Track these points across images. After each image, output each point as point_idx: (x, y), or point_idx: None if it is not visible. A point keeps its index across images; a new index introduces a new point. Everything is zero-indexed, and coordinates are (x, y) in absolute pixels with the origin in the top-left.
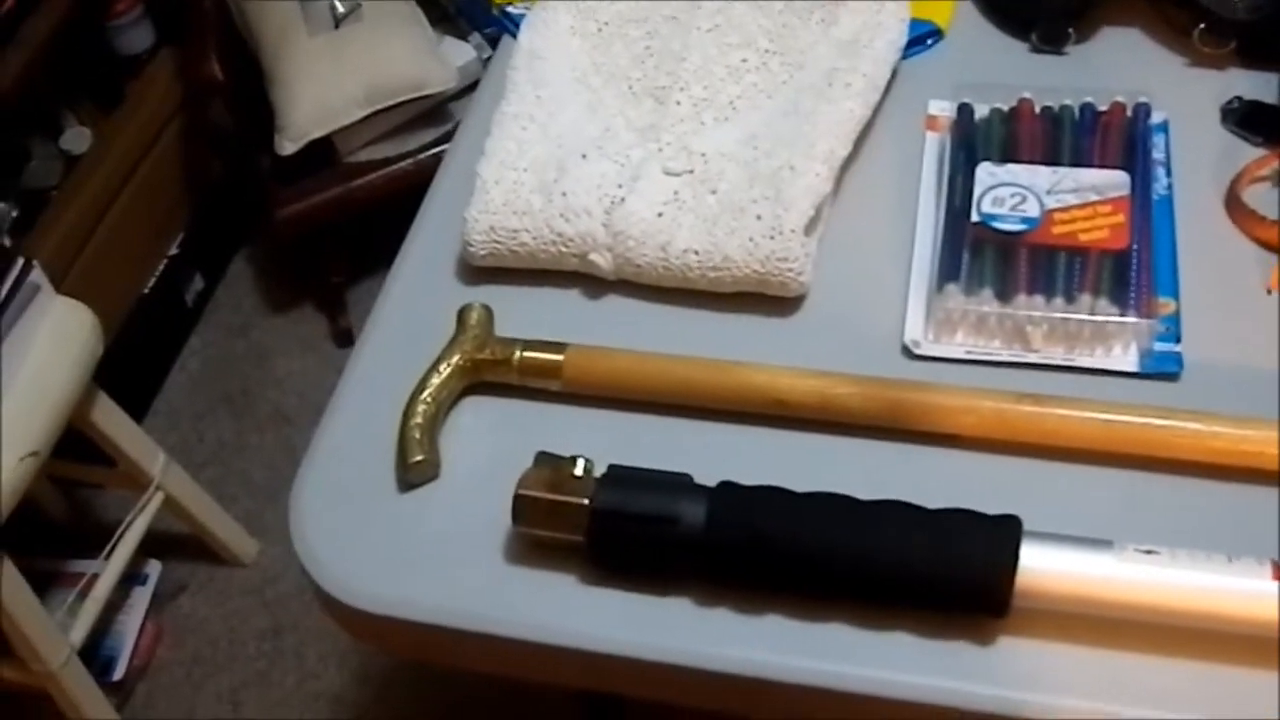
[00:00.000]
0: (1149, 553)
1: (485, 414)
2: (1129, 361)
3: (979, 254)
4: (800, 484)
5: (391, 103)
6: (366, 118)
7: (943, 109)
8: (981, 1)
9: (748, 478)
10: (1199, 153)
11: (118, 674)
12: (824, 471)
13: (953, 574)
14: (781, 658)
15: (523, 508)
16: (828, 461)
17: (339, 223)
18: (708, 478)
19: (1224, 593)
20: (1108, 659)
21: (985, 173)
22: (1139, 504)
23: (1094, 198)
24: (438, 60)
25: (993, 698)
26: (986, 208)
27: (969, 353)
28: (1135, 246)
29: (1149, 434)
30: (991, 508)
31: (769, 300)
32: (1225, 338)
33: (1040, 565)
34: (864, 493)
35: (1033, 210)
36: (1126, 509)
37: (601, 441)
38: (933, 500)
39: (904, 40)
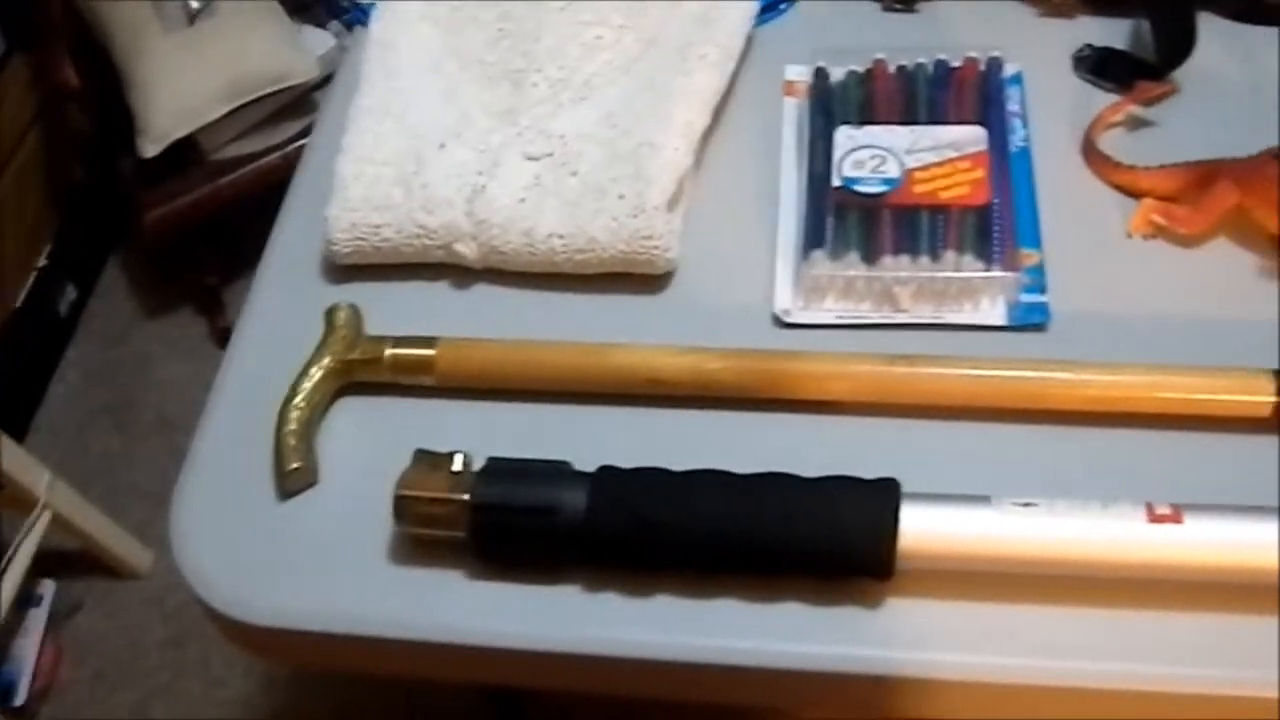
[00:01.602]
0: (1027, 505)
1: (362, 415)
2: (997, 315)
3: (843, 218)
4: (680, 462)
5: (253, 97)
6: (229, 113)
7: (799, 74)
8: None
9: (628, 460)
10: (1054, 103)
11: (20, 699)
12: (703, 448)
13: (834, 540)
14: (672, 637)
15: (403, 508)
16: (706, 437)
17: (210, 222)
18: (589, 463)
19: (1101, 539)
20: (995, 612)
21: (844, 136)
22: (1016, 457)
23: (953, 154)
24: (298, 50)
25: (882, 659)
26: (847, 171)
27: (839, 317)
28: (996, 200)
29: (1020, 386)
30: (871, 471)
31: (638, 279)
32: (1090, 284)
33: (921, 526)
34: (744, 466)
35: (893, 171)
36: (1004, 463)
37: (481, 434)
38: (812, 468)
39: (756, 8)
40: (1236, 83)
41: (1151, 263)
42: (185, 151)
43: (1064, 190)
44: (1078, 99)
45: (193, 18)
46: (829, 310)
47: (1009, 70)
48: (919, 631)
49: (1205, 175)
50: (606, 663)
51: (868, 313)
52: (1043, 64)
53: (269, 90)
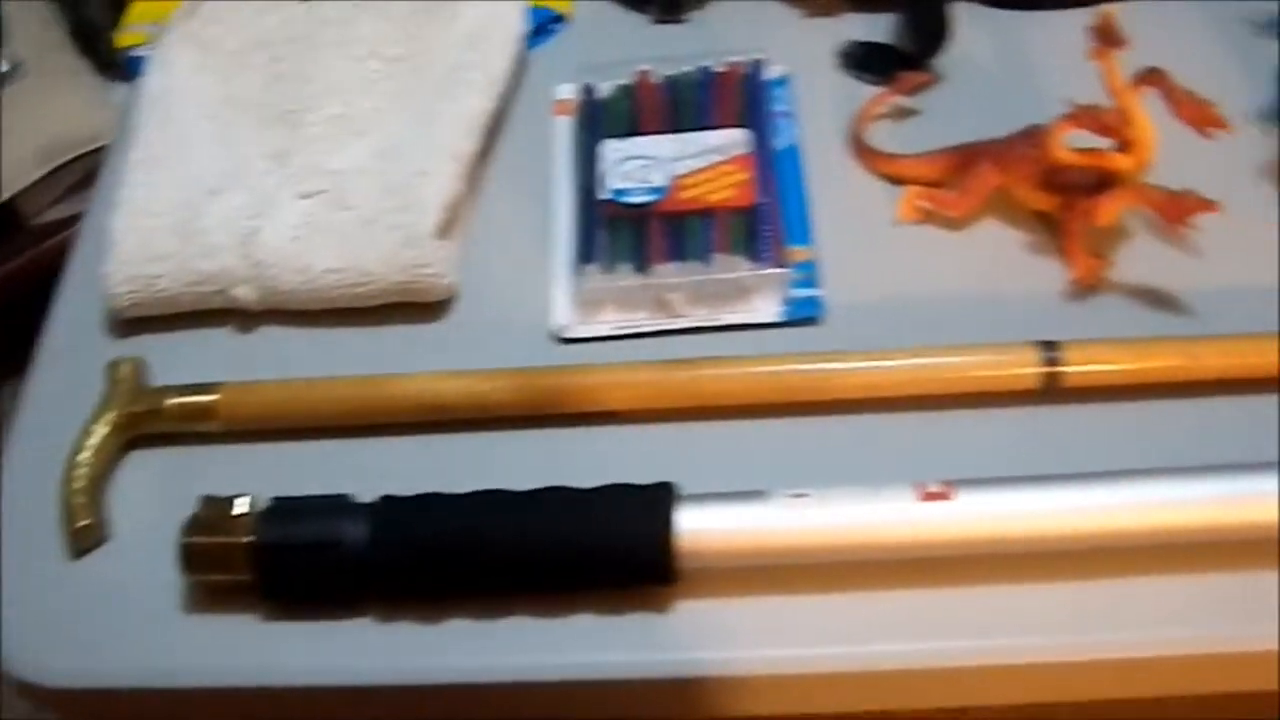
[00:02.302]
0: (799, 496)
1: (153, 467)
2: (770, 312)
3: (613, 230)
4: (468, 485)
5: (68, 158)
6: (45, 177)
7: (570, 92)
8: None
9: (416, 488)
10: (823, 101)
11: None
12: (489, 469)
13: (613, 549)
14: (464, 660)
15: (188, 555)
16: (491, 459)
17: (38, 287)
18: (378, 495)
19: (873, 521)
20: (784, 605)
21: (611, 149)
22: (794, 450)
23: (718, 159)
24: (110, 109)
25: (672, 662)
26: (615, 183)
27: (617, 329)
28: (763, 200)
29: (794, 380)
30: (654, 477)
31: (418, 308)
32: (864, 274)
33: (698, 526)
34: (528, 484)
35: (660, 180)
36: (783, 456)
37: (271, 476)
38: (596, 480)
39: (524, 30)
40: (995, 66)
41: (922, 248)
42: (5, 218)
43: (834, 185)
44: (845, 95)
45: (1, 84)
46: (606, 322)
47: (776, 72)
48: (709, 631)
49: (966, 159)
50: (403, 692)
51: (644, 321)
52: (810, 64)
53: (83, 151)
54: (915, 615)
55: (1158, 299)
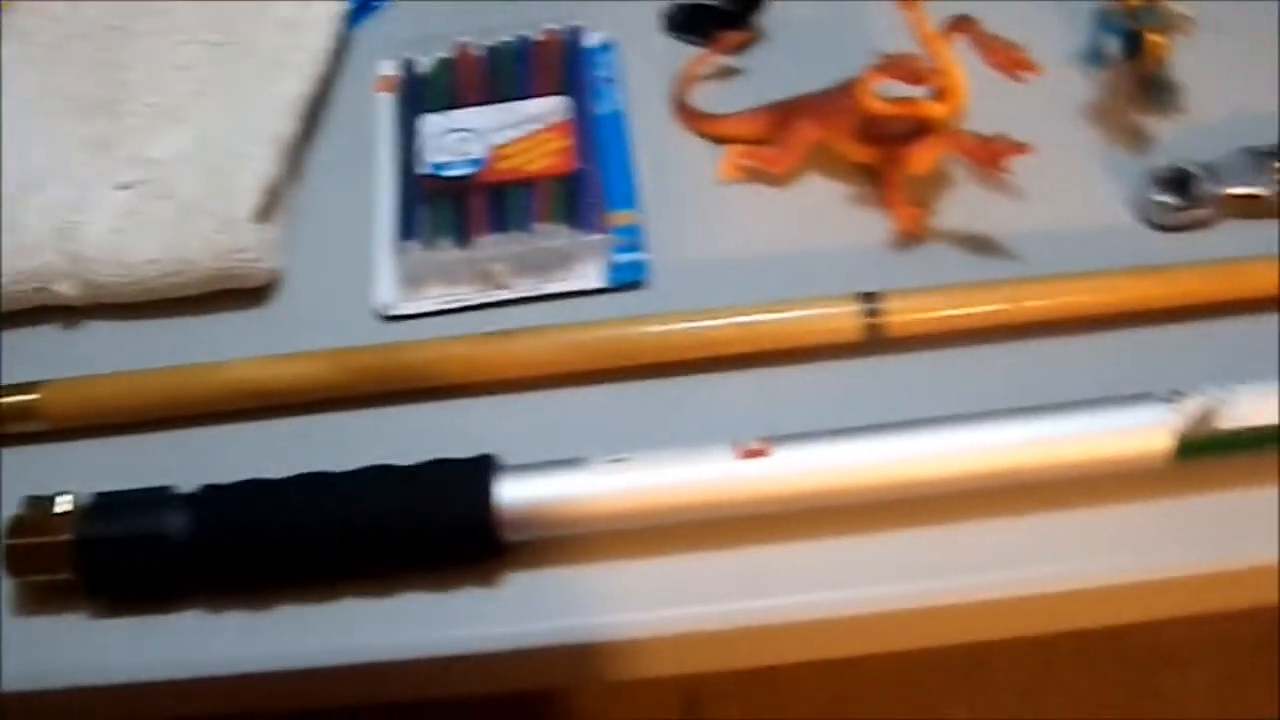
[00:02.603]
0: (618, 460)
1: None
2: (594, 278)
3: (434, 205)
4: (297, 470)
5: None
6: None
7: (392, 69)
8: None
9: (246, 475)
10: (648, 65)
11: None
12: (316, 453)
13: (435, 525)
14: (295, 646)
15: (10, 557)
16: (318, 442)
17: None
18: (204, 485)
19: (692, 481)
20: (616, 570)
21: (430, 124)
22: (619, 415)
23: (537, 127)
24: None
25: (503, 635)
26: (435, 158)
27: (442, 304)
28: (583, 167)
29: (614, 345)
30: (479, 450)
31: (243, 294)
32: (690, 236)
33: (519, 497)
34: (357, 464)
35: (478, 152)
36: (608, 422)
37: (99, 473)
38: (423, 456)
39: (344, 8)
40: (819, 20)
41: (747, 207)
42: None
43: (659, 148)
44: (671, 59)
45: None
46: (431, 298)
47: (599, 38)
48: (539, 601)
49: (786, 114)
50: (233, 682)
51: (469, 295)
52: (635, 29)
53: None
54: (749, 573)
55: (981, 244)
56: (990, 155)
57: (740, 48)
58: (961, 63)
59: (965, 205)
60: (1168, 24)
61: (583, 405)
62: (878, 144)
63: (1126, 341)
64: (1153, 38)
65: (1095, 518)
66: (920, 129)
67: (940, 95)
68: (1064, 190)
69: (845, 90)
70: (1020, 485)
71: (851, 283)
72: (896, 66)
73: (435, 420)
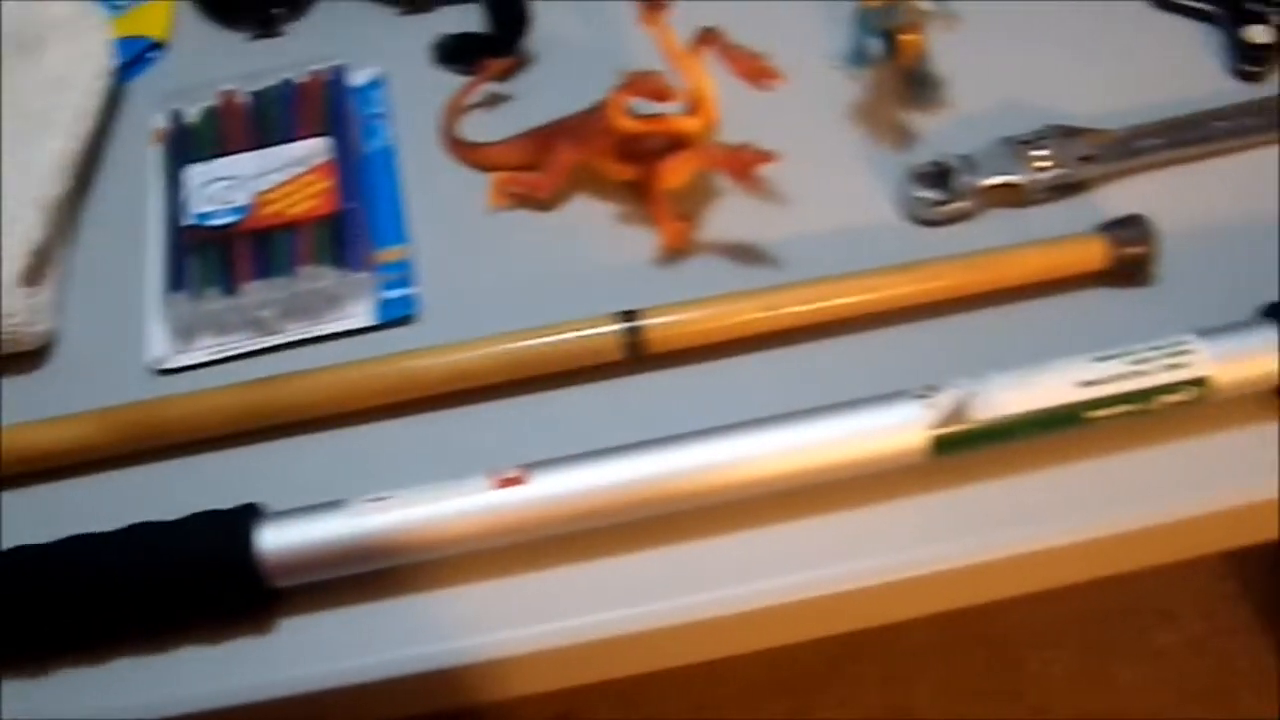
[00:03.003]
0: (378, 500)
1: None
2: (364, 317)
3: (201, 255)
4: (67, 533)
5: None
6: None
7: (162, 120)
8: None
9: (18, 542)
10: (420, 99)
11: None
12: (90, 513)
13: (200, 577)
14: (72, 710)
15: None
16: (93, 502)
17: None
18: None
19: (451, 514)
20: (390, 607)
21: (195, 174)
22: (386, 453)
23: (300, 170)
24: None
25: (276, 682)
26: (200, 208)
27: (214, 355)
28: (346, 207)
29: (381, 382)
30: (247, 498)
31: (16, 359)
32: (462, 268)
33: (283, 542)
34: (130, 522)
35: (243, 199)
36: (375, 461)
37: None
38: (196, 509)
39: (113, 65)
40: (586, 39)
41: (517, 234)
42: None
43: (429, 181)
44: (443, 90)
45: None
46: (203, 349)
47: (367, 75)
48: (313, 645)
49: (547, 138)
50: None
51: (241, 343)
52: (409, 62)
53: None
54: (528, 599)
55: (748, 252)
56: (740, 165)
57: (505, 74)
58: (712, 75)
59: (733, 214)
60: (917, 21)
61: (353, 445)
62: (636, 161)
63: (889, 339)
64: (905, 37)
65: (865, 516)
66: (676, 144)
67: (692, 109)
68: (830, 192)
69: (599, 111)
70: (786, 491)
71: (621, 301)
72: (639, 85)
73: (205, 472)
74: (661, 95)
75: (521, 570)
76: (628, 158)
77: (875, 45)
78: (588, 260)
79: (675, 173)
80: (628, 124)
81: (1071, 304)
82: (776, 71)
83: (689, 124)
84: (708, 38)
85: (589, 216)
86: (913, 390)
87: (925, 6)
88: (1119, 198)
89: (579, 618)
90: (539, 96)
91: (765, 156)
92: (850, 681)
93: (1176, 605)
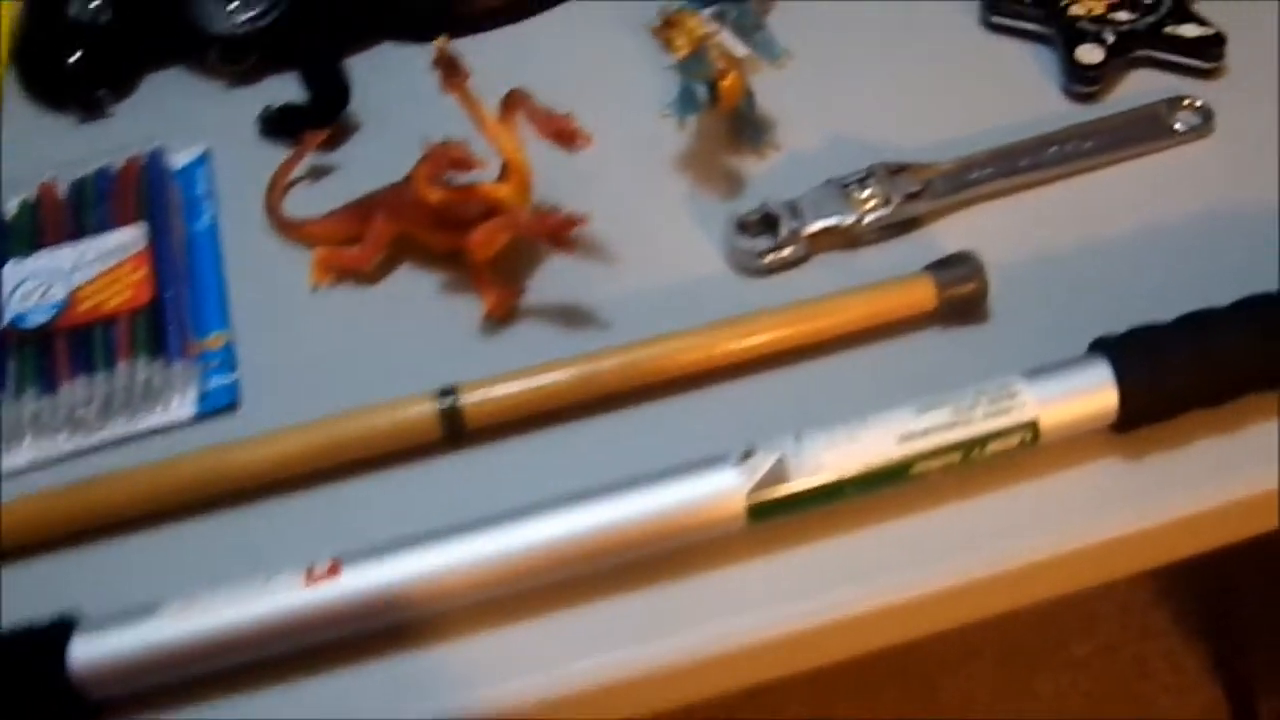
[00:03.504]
0: (190, 601)
1: None
2: (187, 409)
3: (19, 356)
4: None
5: None
6: None
7: None
8: (21, 84)
9: None
10: (248, 175)
11: None
12: None
13: (15, 694)
14: None
15: None
16: None
17: None
18: None
19: (263, 615)
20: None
21: (11, 272)
22: (215, 547)
23: (116, 260)
24: None
25: None
26: (16, 307)
27: (36, 459)
28: (163, 295)
29: (203, 477)
30: (65, 608)
31: None
32: (285, 350)
33: (97, 652)
34: None
35: (59, 295)
36: (196, 560)
37: None
38: (18, 622)
39: None
40: (408, 107)
41: (342, 311)
42: None
43: (253, 261)
44: (270, 164)
45: None
46: (27, 453)
47: (194, 152)
48: None
49: (367, 210)
50: None
51: (63, 445)
52: (236, 138)
53: None
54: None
55: (575, 316)
56: (549, 231)
57: (327, 145)
58: (525, 138)
59: (560, 276)
60: (729, 67)
61: (173, 543)
62: (454, 230)
63: (717, 397)
64: (722, 83)
65: (684, 587)
66: (491, 211)
67: (502, 175)
68: (659, 246)
69: (412, 181)
70: (605, 568)
71: (446, 374)
72: (439, 157)
73: (19, 583)
74: (463, 165)
75: (347, 663)
76: (445, 227)
77: (701, 91)
78: (413, 333)
79: (485, 243)
80: (434, 195)
81: (904, 347)
82: (584, 133)
83: (500, 191)
84: (514, 101)
85: (413, 287)
86: (730, 455)
87: (735, 51)
88: (952, 232)
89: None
90: (364, 166)
91: (574, 221)
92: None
93: (1094, 611)
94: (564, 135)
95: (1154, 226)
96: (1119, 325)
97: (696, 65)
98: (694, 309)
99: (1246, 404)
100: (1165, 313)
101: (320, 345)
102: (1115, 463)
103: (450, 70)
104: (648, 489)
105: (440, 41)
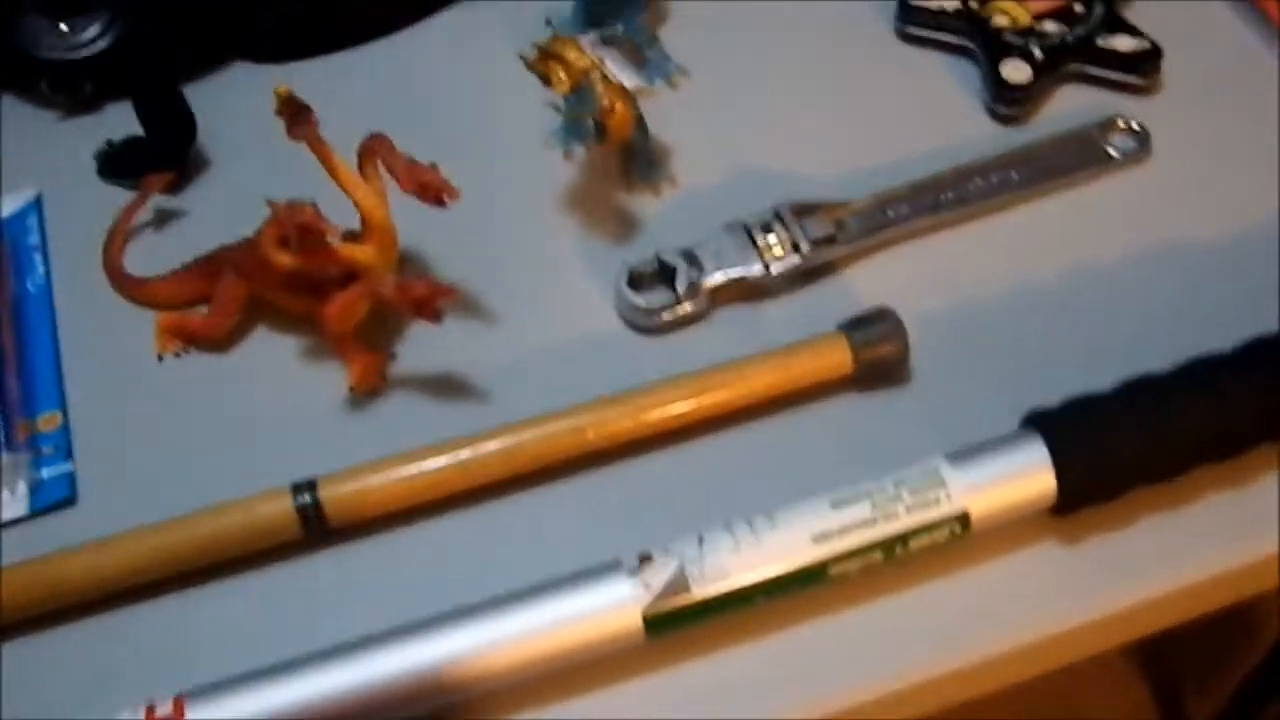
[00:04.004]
0: None
1: None
2: (17, 506)
3: None
4: None
5: None
6: None
7: None
8: None
9: None
10: (85, 223)
11: None
12: None
13: None
14: None
15: None
16: None
17: None
18: None
19: None
20: None
21: None
22: (39, 671)
23: None
24: None
25: None
26: None
27: None
28: None
29: (30, 592)
30: None
31: None
32: (128, 432)
33: None
34: None
35: None
36: (24, 684)
37: None
38: None
39: None
40: (266, 143)
41: (192, 383)
42: None
43: (92, 327)
44: (111, 209)
45: None
46: None
47: (25, 197)
48: None
49: (215, 269)
50: None
51: None
52: (70, 177)
53: None
54: None
55: (450, 387)
56: (413, 303)
57: (173, 186)
58: (382, 193)
59: (437, 338)
60: (616, 100)
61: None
62: (311, 294)
63: (608, 480)
64: (609, 120)
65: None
66: (351, 274)
67: (362, 235)
68: (545, 302)
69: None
70: (487, 692)
71: (305, 456)
72: (285, 220)
73: None
74: (311, 231)
75: None
76: (301, 290)
77: (588, 123)
78: (271, 409)
79: (340, 316)
80: (282, 261)
81: (819, 414)
82: (450, 188)
83: (358, 253)
84: (370, 148)
85: (271, 355)
86: (623, 562)
87: (623, 80)
88: (869, 279)
89: None
90: (218, 210)
91: (442, 292)
92: None
93: None
94: (427, 190)
95: (1089, 266)
96: (1054, 384)
97: (579, 102)
98: (585, 373)
99: (1195, 477)
100: (1103, 367)
101: (168, 425)
102: (1054, 547)
103: (294, 117)
104: (531, 604)
105: (280, 87)
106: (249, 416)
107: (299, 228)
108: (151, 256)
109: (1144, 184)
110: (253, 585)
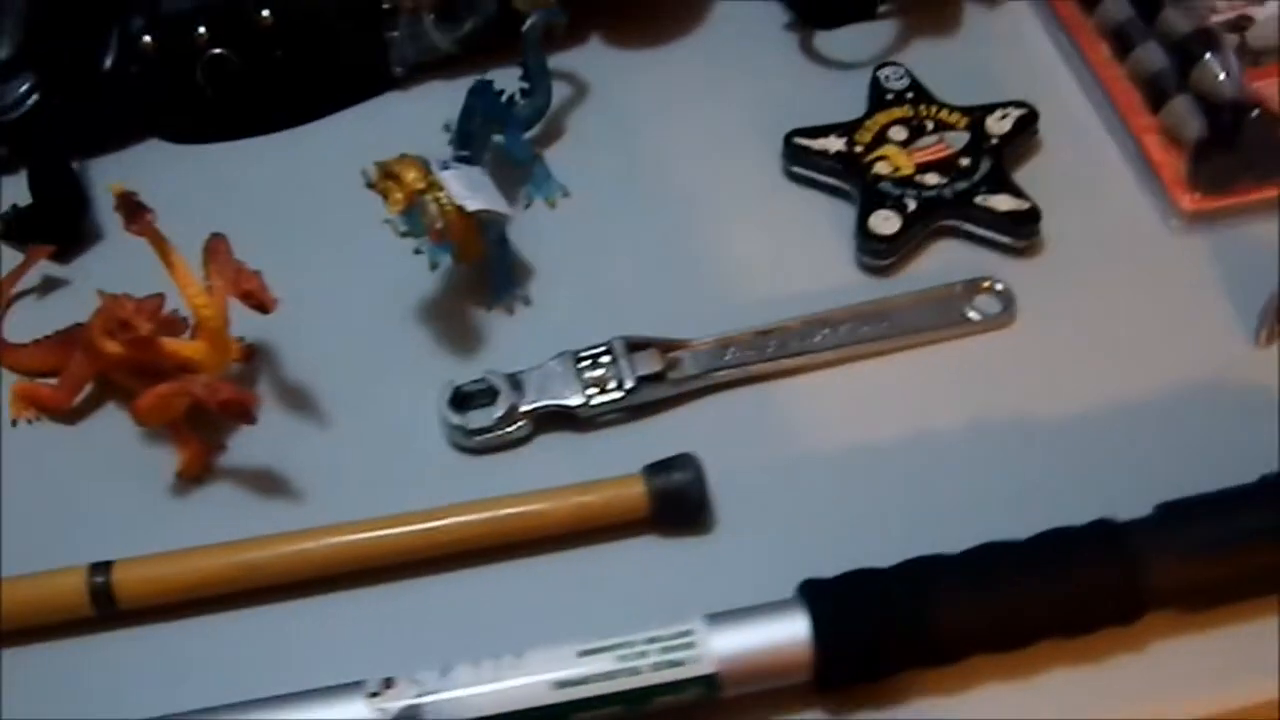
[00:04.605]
0: None
1: None
2: None
3: None
4: None
5: None
6: None
7: None
8: None
9: None
10: None
11: None
12: None
13: None
14: None
15: None
16: None
17: None
18: None
19: None
20: None
21: None
22: None
23: None
24: None
25: None
26: None
27: None
28: None
29: None
30: None
31: None
32: None
33: None
34: None
35: None
36: None
37: None
38: None
39: None
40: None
41: (38, 451)
42: None
43: None
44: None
45: None
46: None
47: None
48: None
49: (68, 344)
50: None
51: None
52: None
53: None
54: None
55: (272, 484)
56: (220, 405)
57: (61, 256)
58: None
59: (269, 435)
60: (458, 221)
61: None
62: (150, 378)
63: (399, 595)
64: (438, 241)
65: None
66: (185, 366)
67: (195, 330)
68: (378, 410)
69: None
70: None
71: (129, 535)
72: (109, 312)
73: None
74: (128, 327)
75: None
76: (140, 374)
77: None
78: (103, 484)
79: (150, 410)
80: (111, 348)
81: (615, 553)
82: (270, 299)
83: (186, 349)
84: (209, 247)
85: (113, 431)
86: (369, 682)
87: (466, 204)
88: (696, 421)
89: None
90: (103, 282)
91: (244, 402)
92: None
93: None
94: (250, 297)
95: (925, 431)
96: (861, 551)
97: (410, 222)
98: (402, 486)
99: (975, 663)
100: (919, 537)
101: (8, 488)
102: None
103: (129, 214)
104: (266, 714)
105: (115, 185)
106: (81, 490)
107: (120, 321)
108: (39, 322)
109: (1003, 350)
110: (48, 656)
